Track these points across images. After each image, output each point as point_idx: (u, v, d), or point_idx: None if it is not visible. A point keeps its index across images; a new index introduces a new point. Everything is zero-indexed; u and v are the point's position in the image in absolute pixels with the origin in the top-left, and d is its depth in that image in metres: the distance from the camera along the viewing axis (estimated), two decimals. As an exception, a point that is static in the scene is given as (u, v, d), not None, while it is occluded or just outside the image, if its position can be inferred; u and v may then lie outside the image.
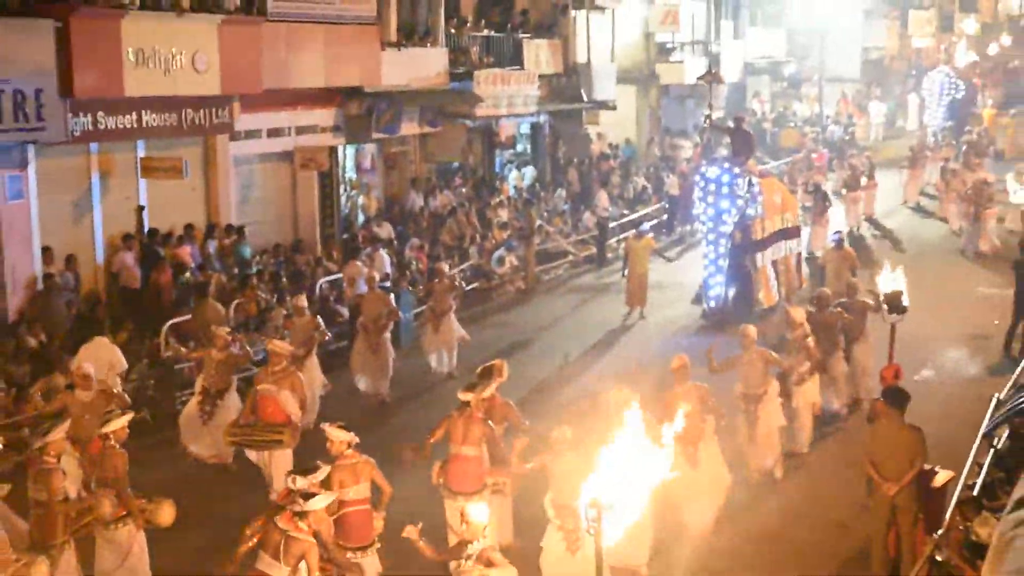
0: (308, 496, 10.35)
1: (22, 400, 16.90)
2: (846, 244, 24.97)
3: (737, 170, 24.55)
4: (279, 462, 14.68)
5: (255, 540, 10.54)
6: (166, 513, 12.28)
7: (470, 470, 13.20)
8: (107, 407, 14.22)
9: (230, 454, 16.33)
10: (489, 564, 9.83)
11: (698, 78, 36.25)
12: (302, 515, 10.24)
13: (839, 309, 18.53)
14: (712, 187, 24.45)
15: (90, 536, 12.20)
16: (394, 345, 21.29)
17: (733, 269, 24.83)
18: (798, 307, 18.44)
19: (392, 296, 21.47)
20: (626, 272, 25.93)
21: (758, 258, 24.97)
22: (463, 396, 13.50)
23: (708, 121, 29.35)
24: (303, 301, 19.53)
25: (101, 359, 17.00)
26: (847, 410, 18.45)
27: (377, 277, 21.58)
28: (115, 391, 15.51)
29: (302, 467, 11.07)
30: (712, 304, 24.75)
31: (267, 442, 14.85)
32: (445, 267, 22.92)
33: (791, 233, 26.30)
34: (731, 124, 28.77)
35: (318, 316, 19.67)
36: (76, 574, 11.73)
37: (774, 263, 25.53)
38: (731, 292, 25.11)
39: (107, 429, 12.39)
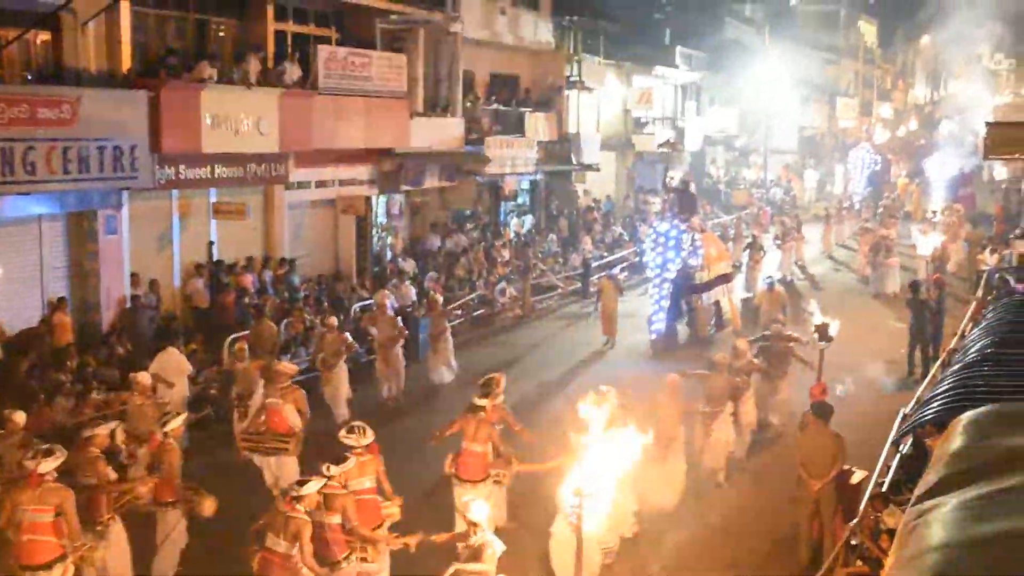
0: (303, 483, 10.37)
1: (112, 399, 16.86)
2: (776, 287, 24.94)
3: (683, 226, 24.46)
4: (286, 466, 14.42)
5: (263, 523, 10.51)
6: (208, 507, 12.24)
7: (476, 463, 13.25)
8: (156, 410, 14.25)
9: None
10: (476, 556, 9.76)
11: (658, 145, 36.53)
12: (298, 499, 10.18)
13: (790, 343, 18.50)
14: (662, 239, 24.33)
15: (135, 512, 12.13)
16: (412, 358, 21.49)
17: (679, 307, 24.73)
18: (743, 339, 18.36)
19: (400, 319, 21.42)
20: (598, 307, 25.70)
21: (701, 298, 24.90)
22: (480, 402, 13.54)
23: (665, 183, 29.52)
24: (333, 320, 19.62)
25: (172, 365, 17.17)
26: (781, 426, 18.19)
27: (387, 304, 21.45)
28: (167, 399, 15.43)
29: (335, 457, 11.06)
30: (654, 336, 24.48)
31: (275, 449, 14.48)
32: (439, 299, 22.99)
33: (728, 278, 26.18)
34: (679, 187, 28.84)
35: (347, 333, 19.64)
36: (124, 544, 11.66)
37: (716, 302, 25.48)
38: (678, 325, 25.03)
39: (167, 428, 12.32)
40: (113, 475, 11.77)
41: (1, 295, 16.28)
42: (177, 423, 12.52)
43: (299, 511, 10.12)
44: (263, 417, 14.59)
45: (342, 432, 11.97)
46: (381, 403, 19.80)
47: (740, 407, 16.58)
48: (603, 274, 27.77)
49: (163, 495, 12.08)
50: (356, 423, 12.12)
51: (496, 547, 9.94)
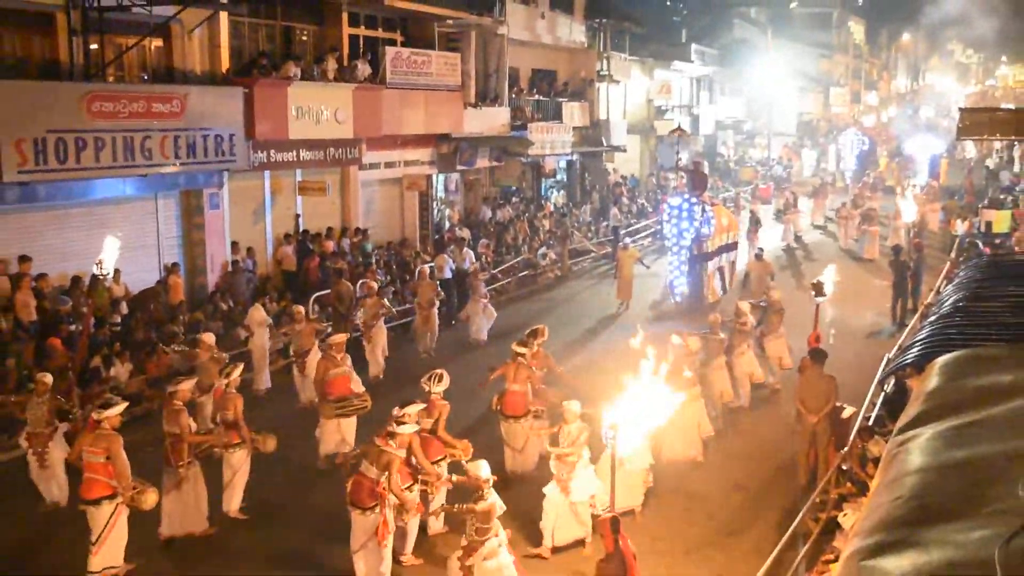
0: (401, 423, 10.38)
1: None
2: (764, 257, 24.23)
3: (694, 200, 23.58)
4: (352, 424, 13.87)
5: (360, 451, 10.56)
6: (271, 444, 12.18)
7: (518, 401, 13.30)
8: (217, 365, 14.00)
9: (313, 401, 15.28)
10: (487, 520, 9.59)
11: (669, 132, 35.88)
12: (392, 436, 10.20)
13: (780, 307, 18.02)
14: (675, 212, 23.54)
15: (212, 458, 12.05)
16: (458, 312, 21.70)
17: (691, 273, 23.85)
18: (744, 301, 17.92)
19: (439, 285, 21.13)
20: (616, 275, 24.87)
21: (707, 266, 23.89)
22: (518, 349, 13.56)
23: (677, 163, 29.04)
24: (374, 285, 19.12)
25: (256, 319, 17.40)
26: (776, 382, 17.58)
27: (427, 271, 21.39)
28: (223, 355, 14.77)
29: (403, 401, 10.99)
30: (678, 299, 23.80)
31: (360, 409, 13.83)
32: (477, 265, 22.67)
33: (731, 247, 25.26)
34: (691, 166, 28.07)
35: (385, 299, 19.04)
36: (201, 484, 11.60)
37: (720, 269, 24.59)
38: (689, 290, 24.02)
39: (229, 379, 12.16)
40: (194, 425, 11.69)
41: (125, 261, 16.43)
42: (236, 374, 12.32)
43: (391, 446, 10.14)
44: (327, 384, 13.81)
45: (423, 378, 11.94)
46: (417, 357, 19.34)
47: (735, 360, 16.29)
48: (620, 245, 26.84)
49: (230, 438, 11.96)
50: (436, 371, 12.02)
51: (499, 505, 9.79)
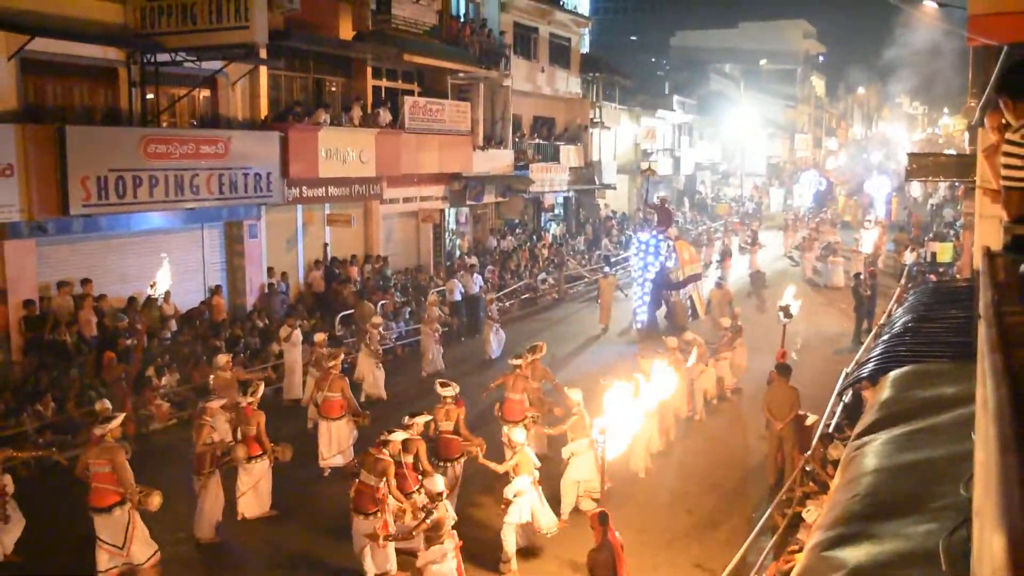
0: (393, 431, 10.25)
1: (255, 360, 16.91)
2: (724, 285, 23.99)
3: (661, 236, 23.09)
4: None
5: (359, 461, 10.43)
6: (288, 454, 12.00)
7: (516, 407, 13.25)
8: (237, 381, 13.78)
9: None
10: (439, 528, 9.29)
11: (640, 172, 35.58)
12: (385, 444, 10.07)
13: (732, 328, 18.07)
14: (643, 247, 23.03)
15: (234, 468, 11.85)
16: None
17: (659, 302, 23.36)
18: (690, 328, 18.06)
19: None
20: (599, 301, 24.65)
21: (677, 294, 23.42)
22: (515, 362, 13.56)
23: (645, 202, 28.87)
24: (378, 319, 18.76)
25: (283, 336, 17.40)
26: (732, 390, 17.69)
27: (435, 299, 20.99)
28: (247, 374, 14.62)
29: (412, 411, 10.95)
30: (639, 326, 22.97)
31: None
32: (493, 295, 22.51)
33: (696, 278, 24.77)
34: (657, 204, 27.59)
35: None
36: (220, 493, 11.39)
37: (690, 298, 24.09)
38: (659, 315, 23.53)
39: (254, 397, 11.95)
40: (216, 438, 11.45)
41: (174, 283, 16.49)
42: (260, 392, 12.13)
43: (385, 454, 10.01)
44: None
45: (437, 385, 11.99)
46: (419, 373, 19.10)
47: (695, 377, 16.12)
48: (600, 275, 26.50)
49: (252, 450, 11.79)
50: (447, 380, 12.04)
51: (449, 516, 9.60)
